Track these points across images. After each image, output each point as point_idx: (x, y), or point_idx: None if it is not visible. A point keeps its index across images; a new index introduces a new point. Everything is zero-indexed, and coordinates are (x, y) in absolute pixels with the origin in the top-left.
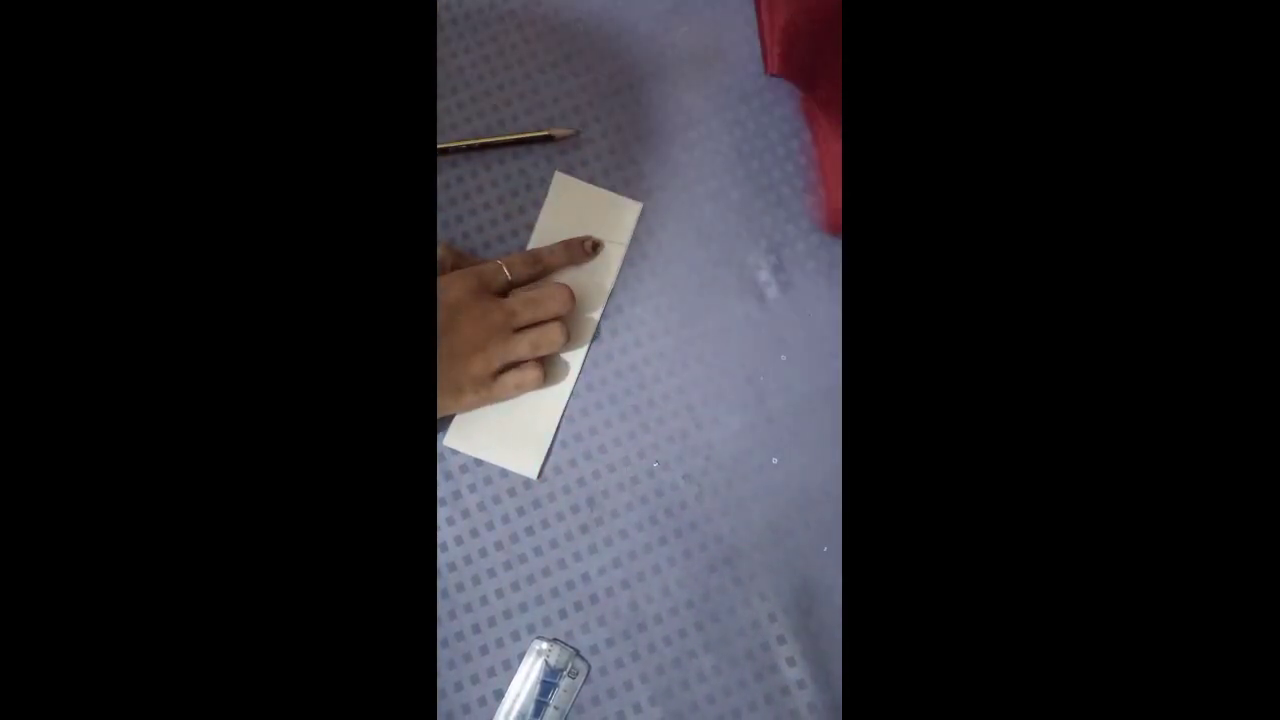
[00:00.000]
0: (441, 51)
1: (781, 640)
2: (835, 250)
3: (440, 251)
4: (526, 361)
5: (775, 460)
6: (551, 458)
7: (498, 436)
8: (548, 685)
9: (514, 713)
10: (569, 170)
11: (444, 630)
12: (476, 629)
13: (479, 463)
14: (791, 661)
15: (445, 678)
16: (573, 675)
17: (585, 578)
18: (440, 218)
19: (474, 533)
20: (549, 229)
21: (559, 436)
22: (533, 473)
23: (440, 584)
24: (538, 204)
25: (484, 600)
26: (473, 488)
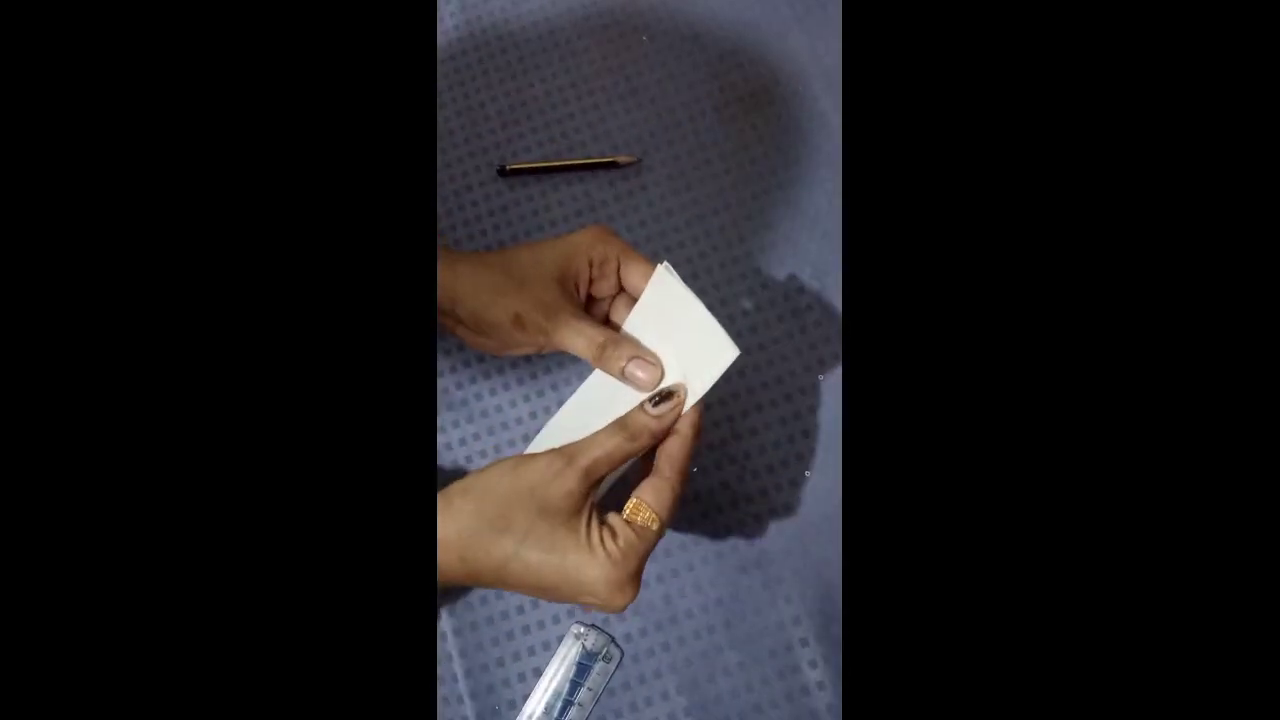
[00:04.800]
0: (518, 80)
1: (805, 643)
2: None
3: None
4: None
5: (809, 473)
6: None
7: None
8: (583, 668)
9: (550, 690)
10: (629, 196)
11: (489, 609)
12: (520, 609)
13: None
14: (813, 664)
15: (487, 654)
16: (607, 660)
17: None
18: (509, 233)
19: None
20: (644, 321)
21: None
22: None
23: None
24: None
25: None
26: None
